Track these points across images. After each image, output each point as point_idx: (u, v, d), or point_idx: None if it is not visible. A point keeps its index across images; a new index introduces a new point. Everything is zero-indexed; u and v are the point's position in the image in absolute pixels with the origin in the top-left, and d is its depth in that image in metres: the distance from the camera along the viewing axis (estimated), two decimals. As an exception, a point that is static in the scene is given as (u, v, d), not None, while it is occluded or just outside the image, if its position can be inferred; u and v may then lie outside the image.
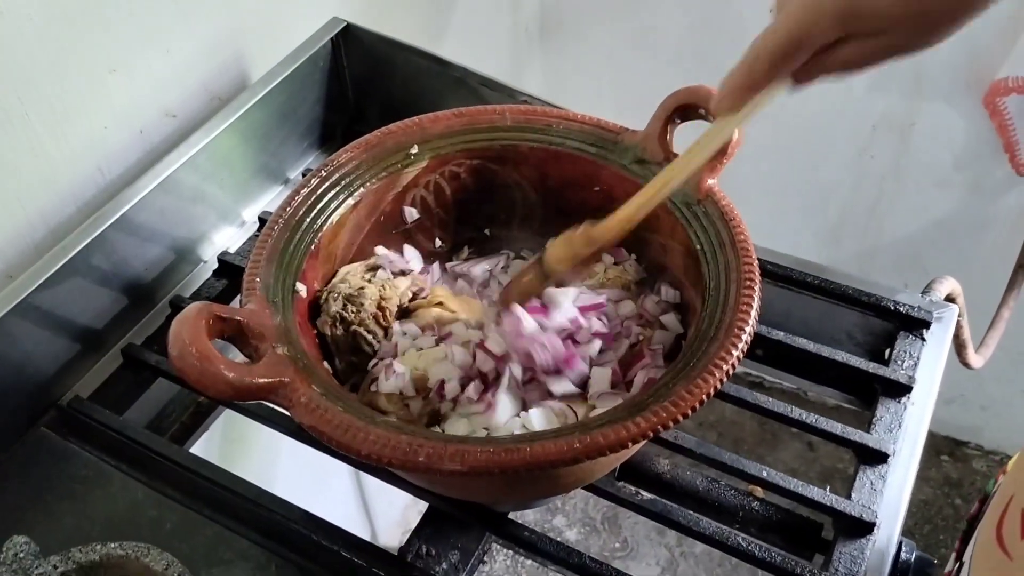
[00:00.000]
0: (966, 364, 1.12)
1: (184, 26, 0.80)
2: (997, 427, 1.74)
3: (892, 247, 1.54)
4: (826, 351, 0.70)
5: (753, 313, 0.56)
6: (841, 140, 1.43)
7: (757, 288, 0.57)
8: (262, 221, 0.82)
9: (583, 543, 1.68)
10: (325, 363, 0.60)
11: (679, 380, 0.53)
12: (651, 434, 0.51)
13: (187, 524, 0.61)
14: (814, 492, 0.62)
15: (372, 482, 1.35)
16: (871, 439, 0.65)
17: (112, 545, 0.49)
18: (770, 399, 0.67)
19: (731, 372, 0.53)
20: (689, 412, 0.51)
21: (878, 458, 0.64)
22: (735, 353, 0.54)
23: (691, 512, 0.62)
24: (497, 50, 1.42)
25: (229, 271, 0.78)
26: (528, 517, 1.69)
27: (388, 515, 1.55)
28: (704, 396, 0.52)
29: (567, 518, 1.74)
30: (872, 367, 0.69)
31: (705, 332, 0.56)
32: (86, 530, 0.60)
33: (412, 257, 0.71)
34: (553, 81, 1.54)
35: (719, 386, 0.52)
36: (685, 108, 0.66)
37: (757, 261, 0.59)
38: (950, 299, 0.82)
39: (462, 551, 0.64)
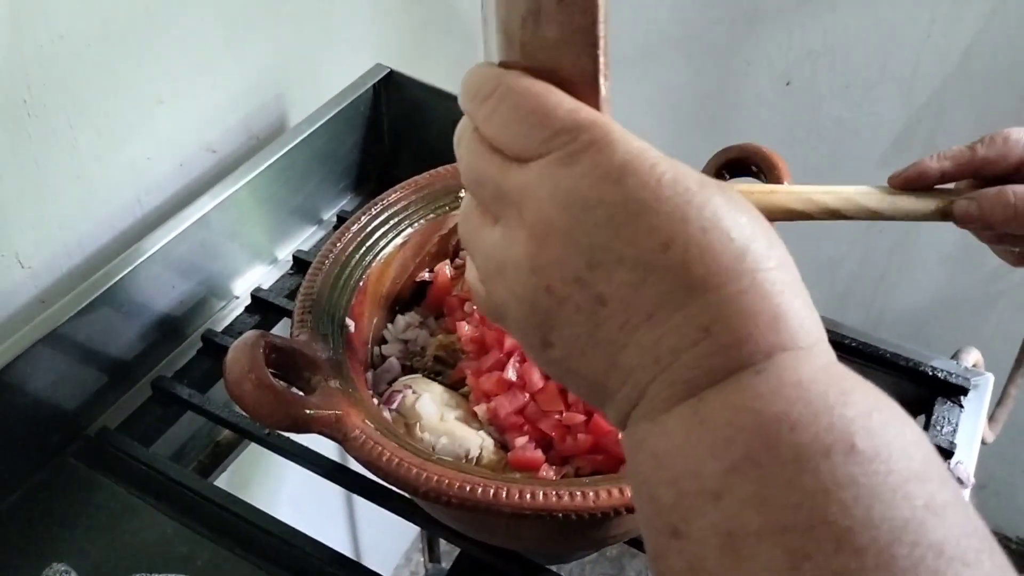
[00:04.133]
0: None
1: (231, 63, 0.80)
2: (995, 507, 1.73)
3: (896, 321, 1.55)
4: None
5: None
6: (851, 213, 1.45)
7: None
8: (296, 260, 0.82)
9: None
10: (375, 399, 0.59)
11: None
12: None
13: (218, 561, 0.59)
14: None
15: (364, 515, 1.32)
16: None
17: (156, 576, 0.48)
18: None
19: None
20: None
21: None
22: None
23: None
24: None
25: (262, 307, 0.77)
26: None
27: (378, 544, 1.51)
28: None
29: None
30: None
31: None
32: (115, 564, 0.58)
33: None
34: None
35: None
36: (735, 163, 0.67)
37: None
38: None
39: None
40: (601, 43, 0.32)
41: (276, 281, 0.81)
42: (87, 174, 0.71)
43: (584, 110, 0.31)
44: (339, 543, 1.32)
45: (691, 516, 0.26)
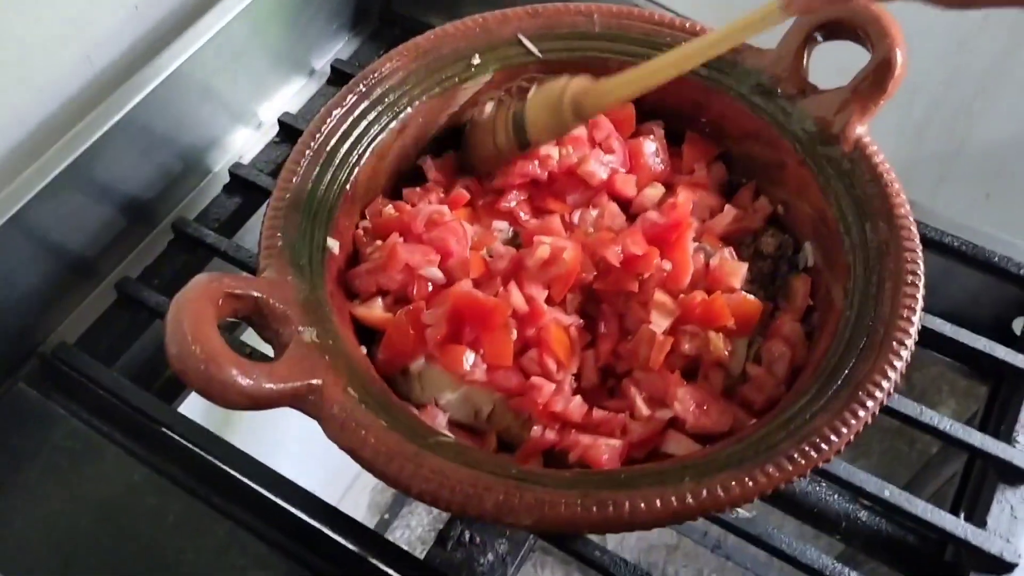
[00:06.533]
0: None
1: None
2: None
3: (977, 153, 1.39)
4: (965, 336, 0.57)
5: (916, 321, 0.44)
6: (940, 31, 1.25)
7: (921, 286, 0.45)
8: (282, 125, 0.68)
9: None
10: (363, 348, 0.48)
11: (821, 409, 0.41)
12: (783, 485, 0.39)
13: (193, 517, 0.51)
14: (945, 519, 0.51)
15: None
16: (1016, 454, 0.53)
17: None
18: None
19: (884, 404, 0.42)
20: (831, 457, 0.40)
21: (1021, 477, 0.53)
22: (892, 377, 0.42)
23: (795, 539, 0.51)
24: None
25: (242, 186, 0.65)
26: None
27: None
28: (852, 436, 0.40)
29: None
30: (1022, 360, 0.57)
31: (851, 342, 0.44)
32: (75, 520, 0.50)
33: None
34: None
35: (870, 422, 0.41)
36: (833, 26, 0.51)
37: (920, 241, 0.47)
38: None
39: (511, 540, 0.55)
40: None
41: (260, 151, 0.68)
42: (14, 30, 0.57)
43: None
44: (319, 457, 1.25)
45: None
